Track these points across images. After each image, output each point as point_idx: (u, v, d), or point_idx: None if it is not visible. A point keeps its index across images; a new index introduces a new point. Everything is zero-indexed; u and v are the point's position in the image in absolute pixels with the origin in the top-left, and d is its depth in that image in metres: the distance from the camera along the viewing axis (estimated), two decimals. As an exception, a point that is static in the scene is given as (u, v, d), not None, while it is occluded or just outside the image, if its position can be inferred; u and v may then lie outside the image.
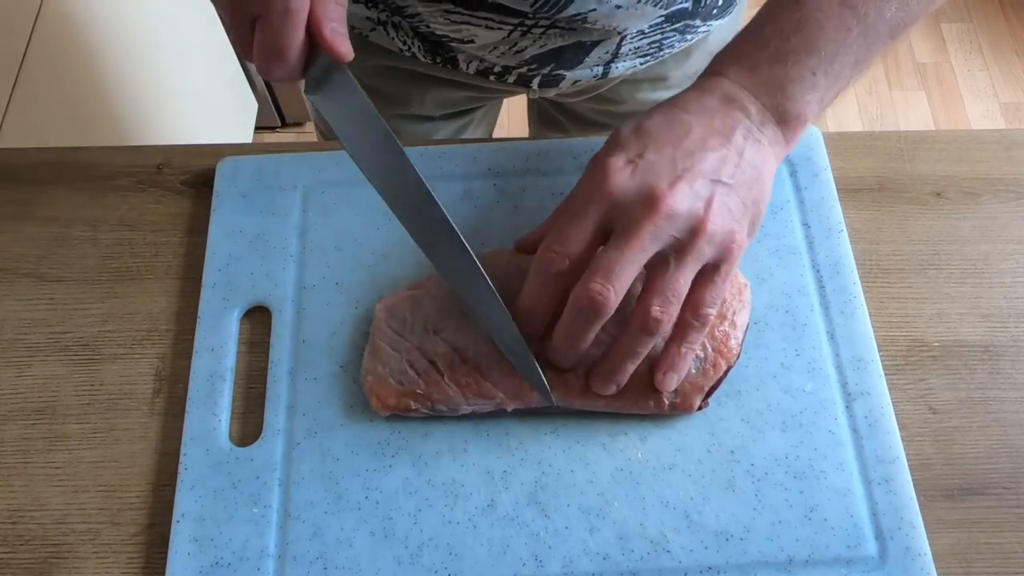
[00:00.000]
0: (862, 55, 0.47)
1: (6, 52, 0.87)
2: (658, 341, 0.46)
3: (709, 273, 0.45)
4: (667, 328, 0.45)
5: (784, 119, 0.47)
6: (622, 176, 0.45)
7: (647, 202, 0.44)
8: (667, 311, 0.44)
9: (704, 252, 0.44)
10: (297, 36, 0.42)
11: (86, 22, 1.01)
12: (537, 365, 0.47)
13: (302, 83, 0.46)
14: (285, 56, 0.43)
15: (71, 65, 0.99)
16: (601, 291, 0.43)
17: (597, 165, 0.46)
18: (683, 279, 0.44)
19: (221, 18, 0.43)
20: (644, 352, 0.46)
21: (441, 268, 0.47)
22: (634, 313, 0.45)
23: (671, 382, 0.47)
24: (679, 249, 0.44)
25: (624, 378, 0.47)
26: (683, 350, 0.46)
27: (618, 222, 0.44)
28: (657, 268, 0.44)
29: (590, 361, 0.48)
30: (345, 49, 0.43)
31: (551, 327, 0.47)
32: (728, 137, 0.46)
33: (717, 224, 0.44)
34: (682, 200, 0.44)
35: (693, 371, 0.48)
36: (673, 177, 0.44)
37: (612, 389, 0.47)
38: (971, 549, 0.47)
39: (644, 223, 0.43)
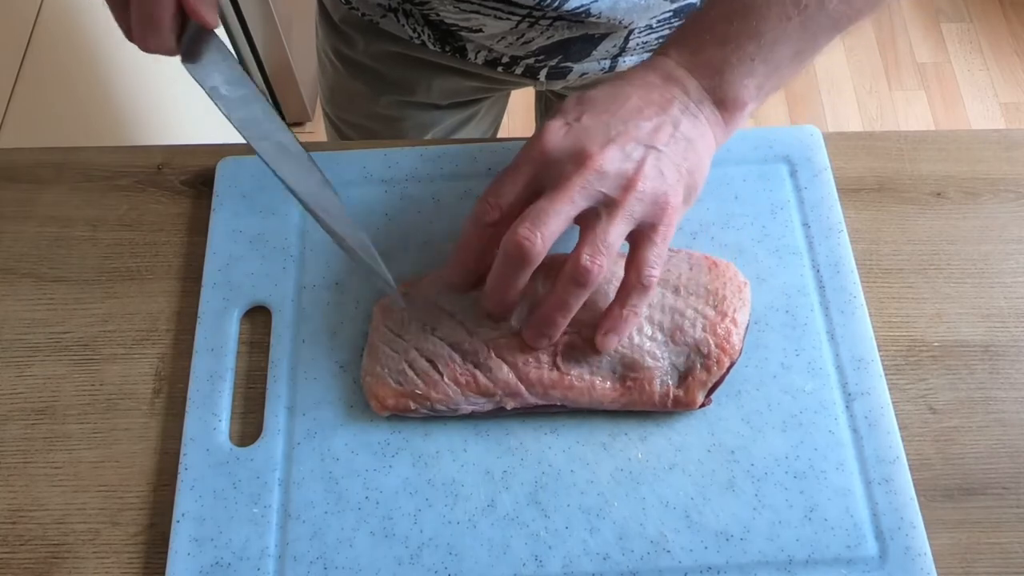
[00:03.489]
0: (803, 46, 0.48)
1: (6, 52, 0.87)
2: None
3: (646, 234, 0.46)
4: (597, 280, 0.45)
5: (722, 101, 0.48)
6: (557, 136, 0.46)
7: (578, 159, 0.45)
8: (596, 260, 0.44)
9: (635, 209, 0.45)
10: (166, 4, 0.44)
11: (86, 22, 1.01)
12: (378, 258, 0.48)
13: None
14: (158, 26, 0.45)
15: (71, 65, 0.99)
16: (528, 236, 0.44)
17: (538, 128, 0.47)
18: (614, 231, 0.45)
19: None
20: (576, 305, 0.46)
21: (292, 188, 0.48)
22: (565, 265, 0.45)
23: (611, 343, 0.48)
24: (609, 205, 0.45)
25: (556, 332, 0.47)
26: (625, 312, 0.47)
27: (550, 178, 0.46)
28: (588, 223, 0.45)
29: (593, 365, 0.48)
30: (209, 17, 0.45)
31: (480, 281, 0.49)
32: (665, 109, 0.47)
33: (647, 184, 0.45)
34: (612, 161, 0.45)
35: (697, 367, 0.48)
36: (606, 139, 0.45)
37: (544, 343, 0.48)
38: (971, 549, 0.47)
39: (573, 177, 0.44)
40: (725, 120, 0.49)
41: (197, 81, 0.48)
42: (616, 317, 0.47)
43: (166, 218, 0.57)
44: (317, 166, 0.48)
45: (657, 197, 0.45)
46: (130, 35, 0.47)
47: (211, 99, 0.48)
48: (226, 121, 0.48)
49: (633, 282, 0.46)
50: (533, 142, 0.47)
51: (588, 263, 0.44)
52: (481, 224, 0.47)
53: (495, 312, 0.49)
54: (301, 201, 0.48)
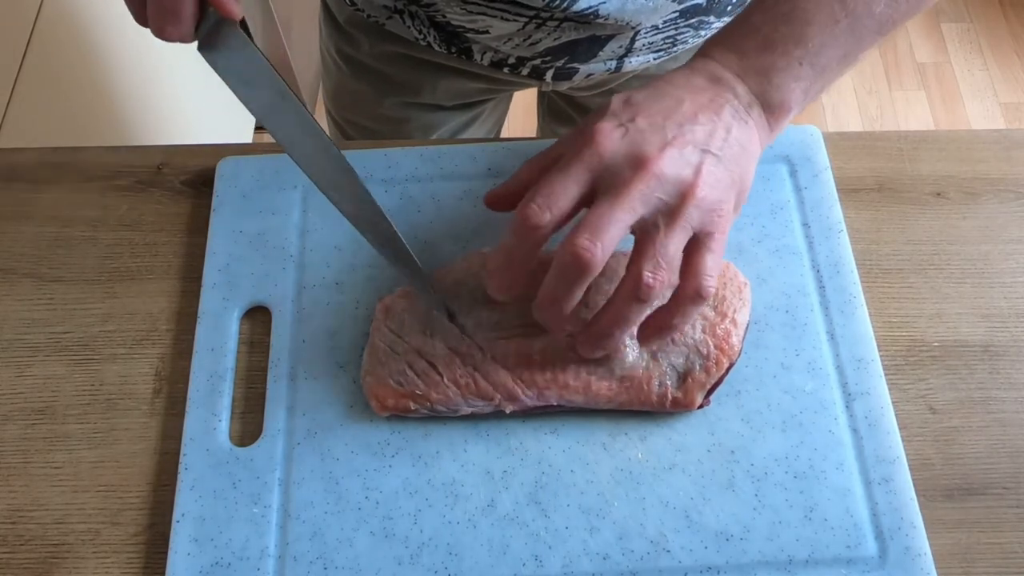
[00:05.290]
0: (850, 49, 0.48)
1: (6, 52, 0.87)
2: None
3: (703, 242, 0.45)
4: (658, 295, 0.44)
5: (768, 105, 0.48)
6: (612, 139, 0.44)
7: (637, 164, 0.44)
8: (658, 276, 0.43)
9: (692, 217, 0.44)
10: None
11: (86, 22, 1.01)
12: (416, 262, 0.48)
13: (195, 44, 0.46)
14: (178, 14, 0.43)
15: (71, 65, 0.99)
16: (588, 247, 0.42)
17: (587, 128, 0.46)
18: (673, 245, 0.44)
19: None
20: (635, 320, 0.45)
21: (313, 176, 0.48)
22: (625, 279, 0.44)
23: (652, 341, 0.47)
24: (667, 214, 0.44)
25: (612, 345, 0.46)
26: (675, 321, 0.46)
27: (606, 183, 0.44)
28: (646, 234, 0.44)
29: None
30: (231, 7, 0.44)
31: (529, 288, 0.47)
32: (717, 113, 0.46)
33: (706, 191, 0.44)
34: (671, 165, 0.44)
35: (696, 369, 0.48)
36: (663, 143, 0.44)
37: (600, 355, 0.47)
38: (971, 549, 0.47)
39: (633, 184, 0.43)
40: (771, 124, 0.48)
41: (216, 72, 0.46)
42: (666, 324, 0.46)
43: (166, 218, 0.57)
44: (348, 164, 0.47)
45: (714, 204, 0.44)
46: (143, 20, 0.45)
47: (239, 99, 0.47)
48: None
49: (690, 292, 0.45)
50: (585, 144, 0.45)
51: (650, 280, 0.43)
52: (529, 227, 0.44)
53: (549, 326, 0.47)
54: (326, 192, 0.48)
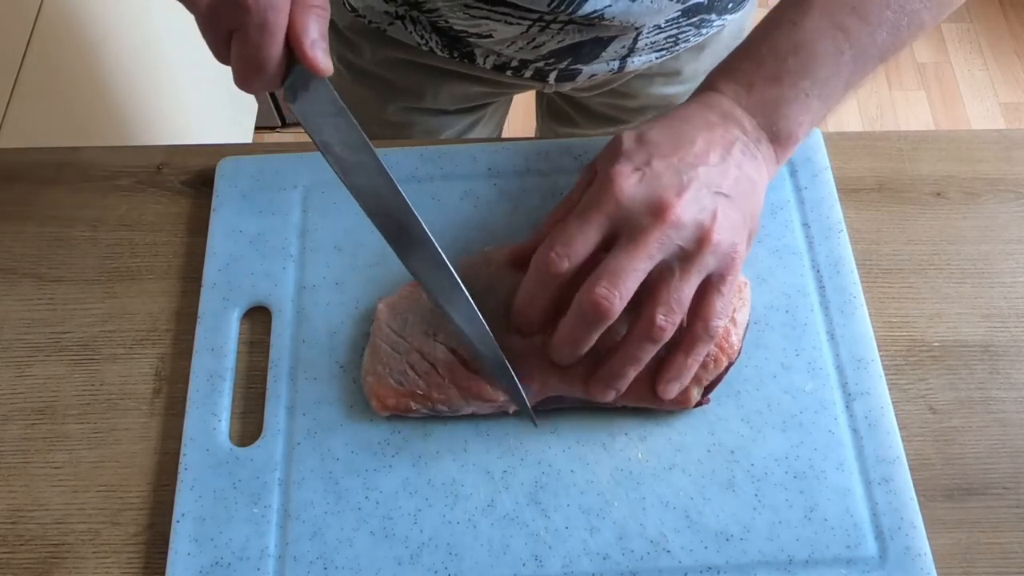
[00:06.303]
0: (853, 78, 0.49)
1: (6, 52, 0.87)
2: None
3: (715, 284, 0.46)
4: (669, 336, 0.45)
5: (776, 138, 0.49)
6: (630, 183, 0.45)
7: (656, 211, 0.44)
8: (671, 319, 0.44)
9: (708, 263, 0.45)
10: (275, 50, 0.41)
11: (86, 22, 1.01)
12: (515, 375, 0.47)
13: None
14: (263, 69, 0.42)
15: (71, 65, 0.99)
16: (607, 296, 0.43)
17: (602, 172, 0.46)
18: (687, 289, 0.45)
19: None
20: (646, 359, 0.46)
21: (417, 276, 0.47)
22: (638, 321, 0.45)
23: (672, 391, 0.48)
24: (684, 259, 0.44)
25: (624, 384, 0.47)
26: (689, 362, 0.47)
27: (625, 229, 0.45)
28: (661, 277, 0.45)
29: (592, 353, 0.48)
30: (325, 65, 0.42)
31: (546, 325, 0.48)
32: (728, 150, 0.47)
33: (722, 235, 0.45)
34: (688, 210, 0.44)
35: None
36: (680, 187, 0.45)
37: (611, 396, 0.47)
38: (971, 549, 0.47)
39: (652, 231, 0.44)
40: (777, 156, 0.49)
41: (304, 127, 0.45)
42: (680, 366, 0.47)
43: (166, 218, 0.57)
44: (445, 259, 0.46)
45: (728, 248, 0.45)
46: (224, 60, 0.44)
47: (322, 153, 0.45)
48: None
49: (699, 333, 0.46)
50: (603, 189, 0.45)
51: (663, 323, 0.44)
52: (549, 274, 0.45)
53: (562, 363, 0.48)
54: (428, 291, 0.47)
